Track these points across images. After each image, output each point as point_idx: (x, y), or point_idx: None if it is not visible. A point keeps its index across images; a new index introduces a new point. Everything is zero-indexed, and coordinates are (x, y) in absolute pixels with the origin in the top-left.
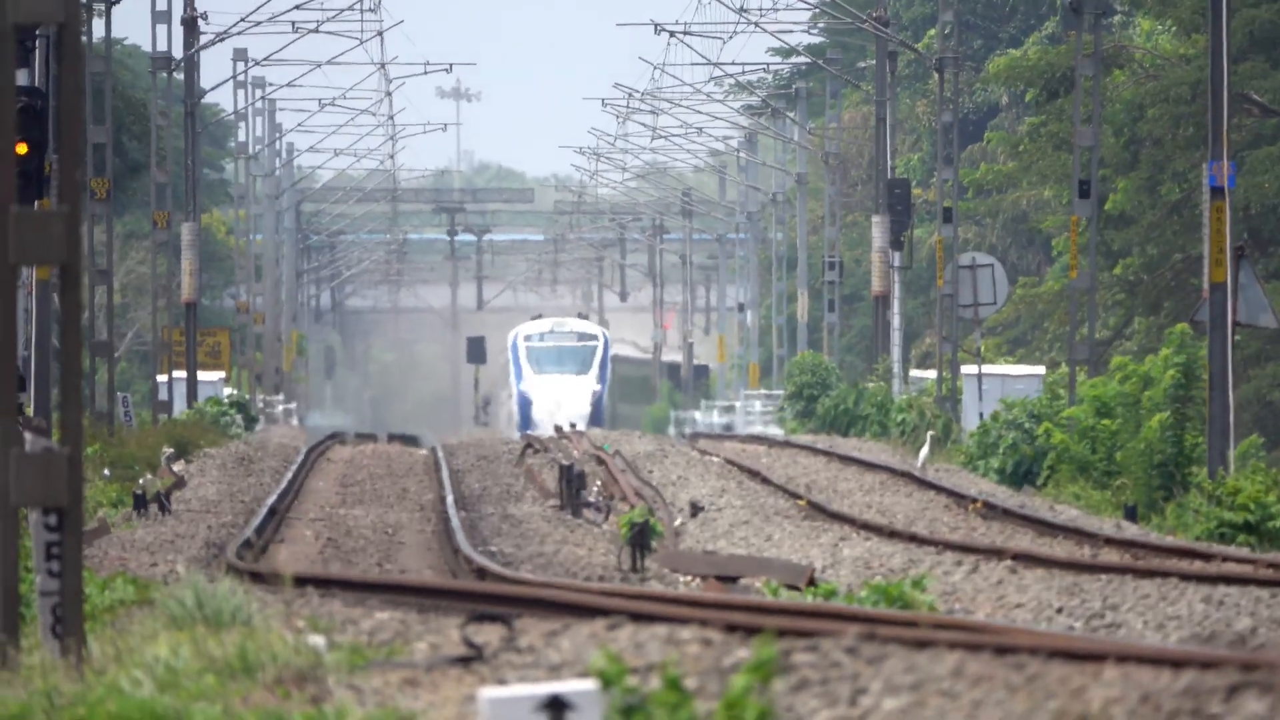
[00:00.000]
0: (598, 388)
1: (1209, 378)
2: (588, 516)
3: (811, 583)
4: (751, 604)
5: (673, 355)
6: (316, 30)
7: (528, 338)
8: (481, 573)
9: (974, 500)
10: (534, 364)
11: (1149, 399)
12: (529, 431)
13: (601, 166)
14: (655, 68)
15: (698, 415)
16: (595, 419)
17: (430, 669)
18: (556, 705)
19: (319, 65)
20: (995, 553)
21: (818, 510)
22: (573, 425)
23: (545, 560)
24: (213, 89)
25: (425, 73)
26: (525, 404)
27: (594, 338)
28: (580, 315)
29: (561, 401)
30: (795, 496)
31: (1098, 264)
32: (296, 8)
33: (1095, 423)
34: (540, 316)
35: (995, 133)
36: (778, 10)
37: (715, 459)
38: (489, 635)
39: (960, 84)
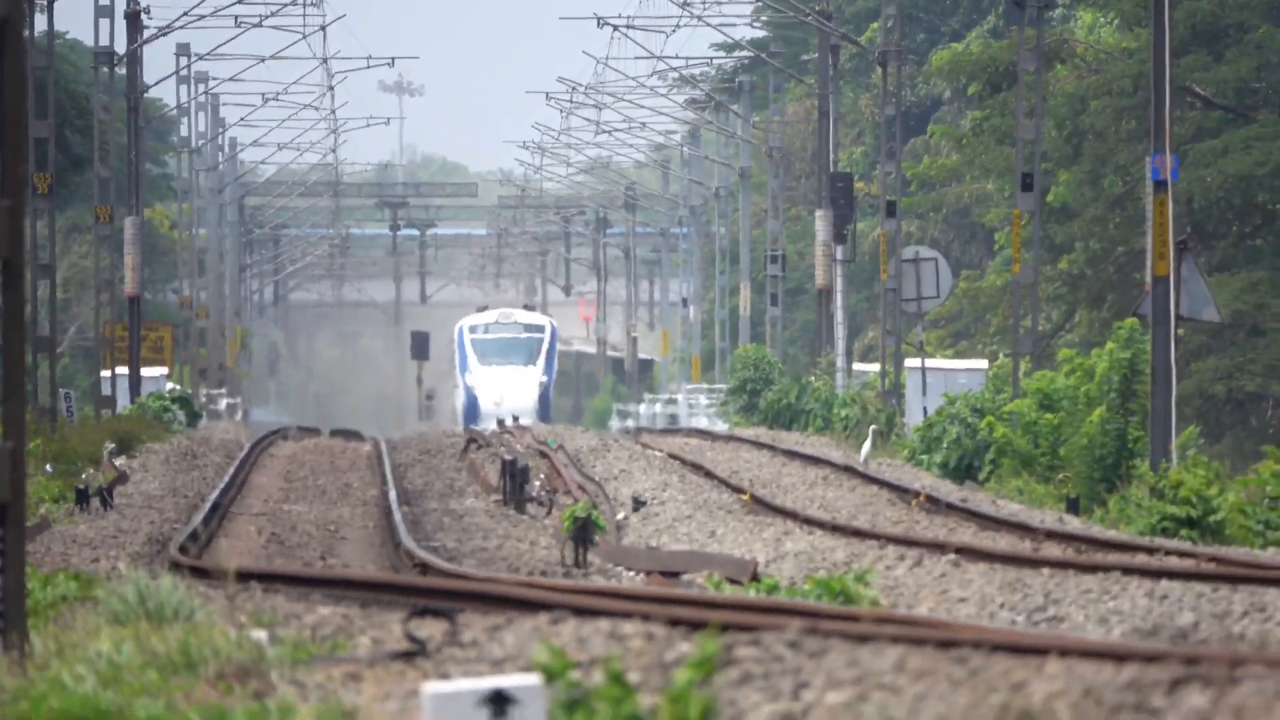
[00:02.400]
0: (544, 380)
1: (1151, 371)
2: (530, 511)
3: (754, 577)
4: (694, 599)
5: (612, 350)
6: (259, 25)
7: (473, 329)
8: (424, 567)
9: (917, 494)
10: (480, 355)
11: (1085, 394)
12: (474, 425)
13: (545, 161)
14: (599, 62)
15: (641, 409)
16: (542, 412)
17: (373, 664)
18: (499, 700)
19: (262, 60)
20: (938, 547)
21: (761, 505)
22: (515, 419)
23: (488, 555)
24: (156, 84)
25: (368, 67)
26: (471, 396)
27: (540, 329)
28: (527, 306)
29: (507, 394)
30: (738, 491)
31: (1040, 257)
32: (239, 2)
33: (1038, 416)
34: (486, 308)
35: (938, 126)
36: (721, 4)
37: (658, 453)
38: (432, 630)
39: (903, 78)
